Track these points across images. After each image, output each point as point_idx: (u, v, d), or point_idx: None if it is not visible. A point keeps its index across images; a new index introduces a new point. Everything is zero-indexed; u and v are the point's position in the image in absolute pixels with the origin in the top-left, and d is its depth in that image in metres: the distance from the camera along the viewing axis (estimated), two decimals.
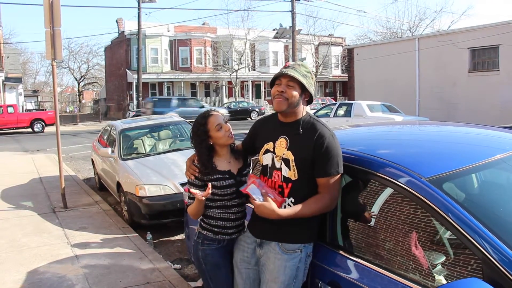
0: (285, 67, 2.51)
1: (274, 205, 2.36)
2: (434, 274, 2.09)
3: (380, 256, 2.33)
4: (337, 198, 2.46)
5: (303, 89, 2.47)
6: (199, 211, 2.73)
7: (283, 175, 2.48)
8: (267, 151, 2.58)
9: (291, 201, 2.46)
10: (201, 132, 2.70)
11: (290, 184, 2.46)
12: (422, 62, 23.91)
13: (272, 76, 2.56)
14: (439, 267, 2.11)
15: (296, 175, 2.44)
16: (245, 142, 2.88)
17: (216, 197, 2.71)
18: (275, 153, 2.53)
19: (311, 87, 2.50)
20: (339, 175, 2.42)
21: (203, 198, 2.59)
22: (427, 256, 2.16)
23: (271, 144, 2.57)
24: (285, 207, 2.45)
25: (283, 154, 2.48)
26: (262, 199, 2.39)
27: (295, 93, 2.44)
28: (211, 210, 2.76)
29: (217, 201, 2.72)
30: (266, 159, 2.59)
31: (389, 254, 2.29)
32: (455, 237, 2.03)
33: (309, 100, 2.56)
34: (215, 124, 2.69)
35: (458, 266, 2.01)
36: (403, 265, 2.20)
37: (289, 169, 2.45)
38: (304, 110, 2.56)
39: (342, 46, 47.88)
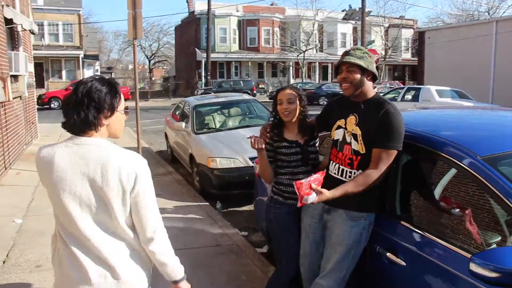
0: (342, 56, 2.76)
1: (327, 193, 2.54)
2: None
3: (434, 226, 2.55)
4: (383, 175, 2.61)
5: (363, 70, 2.69)
6: (266, 170, 3.11)
7: (353, 149, 2.74)
8: (339, 127, 2.86)
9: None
10: (274, 101, 3.14)
11: (359, 157, 2.71)
12: (499, 47, 22.75)
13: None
14: (494, 246, 2.23)
15: (364, 149, 2.68)
16: (319, 118, 3.18)
17: (284, 163, 3.09)
18: (346, 129, 2.80)
19: (371, 65, 2.71)
20: (394, 151, 2.60)
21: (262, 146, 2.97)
22: (482, 234, 2.30)
23: (342, 121, 2.83)
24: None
25: (353, 130, 2.74)
26: (315, 195, 2.54)
27: (357, 76, 2.69)
28: (281, 177, 3.12)
29: (285, 168, 3.09)
30: (337, 134, 2.86)
31: (444, 225, 2.50)
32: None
33: (373, 77, 2.77)
34: (279, 98, 3.09)
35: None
36: (455, 236, 2.38)
37: (358, 143, 2.71)
38: (373, 91, 2.79)
39: (413, 28, 46.26)
